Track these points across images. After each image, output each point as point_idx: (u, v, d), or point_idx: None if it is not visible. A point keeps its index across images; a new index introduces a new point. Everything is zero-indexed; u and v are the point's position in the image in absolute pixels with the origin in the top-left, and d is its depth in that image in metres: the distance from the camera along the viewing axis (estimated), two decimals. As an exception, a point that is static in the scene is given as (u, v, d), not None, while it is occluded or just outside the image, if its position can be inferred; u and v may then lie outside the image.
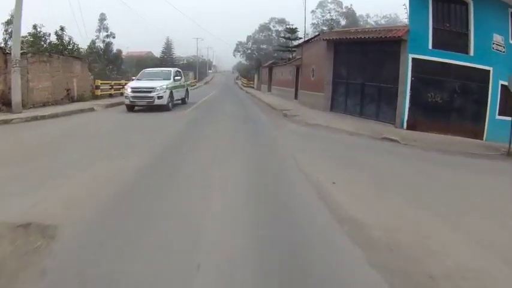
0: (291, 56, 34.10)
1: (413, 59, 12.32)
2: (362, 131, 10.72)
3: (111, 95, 19.75)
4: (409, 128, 12.29)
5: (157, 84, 13.83)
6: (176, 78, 15.41)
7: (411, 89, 12.37)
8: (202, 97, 25.28)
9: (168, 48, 59.98)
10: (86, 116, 12.09)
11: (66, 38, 19.28)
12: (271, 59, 45.39)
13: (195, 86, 52.74)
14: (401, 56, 12.31)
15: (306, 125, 11.18)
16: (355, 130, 10.69)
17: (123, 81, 23.37)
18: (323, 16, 66.68)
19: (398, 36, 12.03)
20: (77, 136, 8.01)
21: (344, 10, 65.09)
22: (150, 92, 13.57)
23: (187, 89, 17.39)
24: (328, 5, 66.27)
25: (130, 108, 14.03)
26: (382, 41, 12.82)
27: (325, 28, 52.78)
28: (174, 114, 12.65)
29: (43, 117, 11.34)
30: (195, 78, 65.64)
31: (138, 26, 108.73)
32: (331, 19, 63.63)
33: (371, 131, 10.77)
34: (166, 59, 59.03)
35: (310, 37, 21.44)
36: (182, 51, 75.51)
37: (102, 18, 38.21)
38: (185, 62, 77.42)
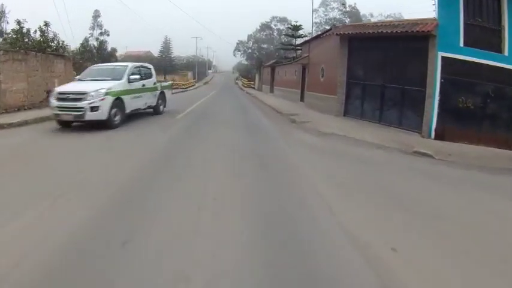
0: (295, 55, 32.33)
1: (442, 57, 10.59)
2: (387, 142, 8.98)
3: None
4: (437, 137, 10.56)
5: (93, 87, 8.95)
6: (132, 77, 10.41)
7: (440, 93, 10.64)
8: (199, 99, 23.62)
9: (166, 47, 58.17)
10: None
11: (51, 35, 17.46)
12: (273, 58, 43.68)
13: (193, 87, 51.15)
14: (430, 54, 10.57)
15: (319, 134, 9.44)
16: (380, 142, 8.94)
17: None
18: (326, 15, 65.13)
19: (428, 31, 10.29)
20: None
21: (348, 9, 63.51)
22: (79, 99, 8.65)
23: (162, 94, 12.73)
24: (331, 3, 64.74)
25: (64, 124, 9.27)
26: (406, 37, 11.07)
27: (327, 27, 51.15)
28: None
29: (10, 125, 9.61)
30: (194, 78, 63.99)
31: (137, 25, 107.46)
32: (334, 18, 62.04)
33: (398, 143, 9.04)
34: (165, 59, 57.25)
35: (319, 32, 19.65)
36: (182, 51, 74.01)
37: (96, 15, 36.47)
38: (184, 61, 76.00)
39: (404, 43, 11.38)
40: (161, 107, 12.65)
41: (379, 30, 11.57)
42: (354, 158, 6.82)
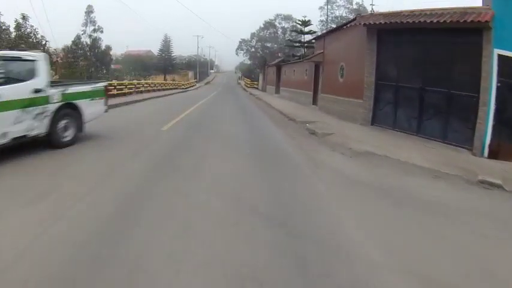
0: (303, 52, 29.95)
1: (499, 56, 8.33)
2: (441, 166, 6.70)
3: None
4: (491, 155, 8.31)
5: None
6: None
7: (496, 100, 8.38)
8: (197, 101, 21.50)
9: (166, 46, 55.88)
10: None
11: (28, 30, 15.27)
12: (277, 58, 41.41)
13: (194, 87, 49.02)
14: (484, 52, 8.31)
15: (353, 154, 7.15)
16: (432, 165, 6.66)
17: (115, 82, 19.66)
18: (332, 13, 62.80)
19: (486, 21, 8.00)
20: None
21: (355, 7, 61.06)
22: None
23: (70, 110, 6.82)
24: (338, 1, 62.32)
25: None
26: (452, 29, 8.80)
27: (334, 26, 48.82)
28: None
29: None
30: (195, 78, 61.81)
31: (140, 25, 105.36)
32: (341, 16, 59.69)
33: (454, 167, 6.76)
34: (165, 58, 55.03)
35: (334, 26, 17.30)
36: (184, 50, 71.93)
37: (89, 11, 34.09)
38: (186, 60, 73.78)
39: (449, 36, 9.09)
40: (67, 134, 6.69)
41: (419, 20, 9.28)
42: (417, 202, 4.52)
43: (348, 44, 12.57)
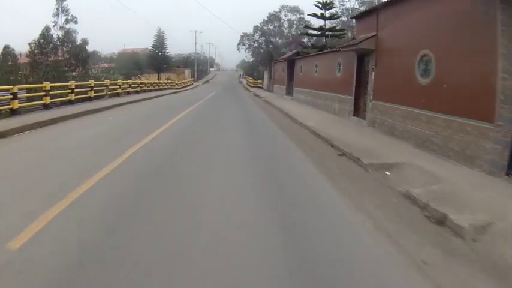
0: (324, 41, 24.09)
1: None
2: None
3: (46, 106, 12.22)
4: None
5: None
6: None
7: None
8: (189, 105, 16.03)
9: (160, 41, 50.04)
10: None
11: None
12: (282, 54, 35.75)
13: (190, 87, 43.43)
14: None
15: None
16: None
17: (72, 84, 14.41)
18: (342, 5, 56.98)
19: None
20: None
21: (368, -1, 55.23)
22: None
23: None
24: (348, -9, 56.51)
25: None
26: None
27: (344, 19, 43.10)
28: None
29: None
30: (192, 76, 56.17)
31: (139, 25, 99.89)
32: (352, 8, 53.90)
33: None
34: (158, 55, 49.34)
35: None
36: (183, 49, 66.60)
37: (61, -4, 28.16)
38: (183, 58, 68.24)
39: None
40: None
41: None
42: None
43: (442, 18, 6.98)
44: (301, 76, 20.14)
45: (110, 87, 19.07)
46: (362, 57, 11.13)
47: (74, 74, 26.14)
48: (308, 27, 28.00)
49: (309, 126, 10.04)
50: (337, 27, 26.77)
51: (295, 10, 53.77)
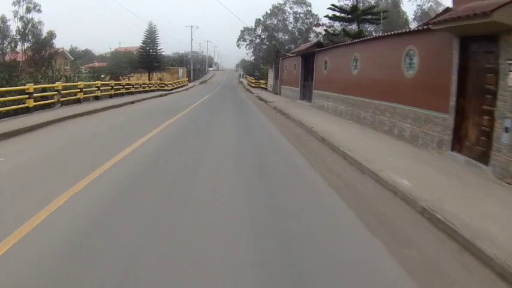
0: (357, 27, 18.67)
1: None
2: None
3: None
4: None
5: None
6: None
7: None
8: (172, 115, 10.80)
9: (151, 37, 44.65)
10: None
11: None
12: (288, 51, 30.66)
13: (184, 87, 38.20)
14: None
15: None
16: None
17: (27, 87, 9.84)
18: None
19: None
20: None
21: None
22: None
23: None
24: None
25: None
26: None
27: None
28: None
29: None
30: (187, 76, 50.91)
31: (139, 24, 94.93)
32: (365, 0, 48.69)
33: None
34: (149, 53, 44.05)
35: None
36: (182, 48, 61.78)
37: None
38: (178, 56, 63.14)
39: None
40: None
41: None
42: None
43: None
44: (327, 75, 14.92)
45: (84, 89, 15.66)
46: (470, 43, 6.00)
47: (36, 72, 21.08)
48: (336, 6, 21.38)
49: (401, 191, 4.81)
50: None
51: (301, 2, 48.50)
